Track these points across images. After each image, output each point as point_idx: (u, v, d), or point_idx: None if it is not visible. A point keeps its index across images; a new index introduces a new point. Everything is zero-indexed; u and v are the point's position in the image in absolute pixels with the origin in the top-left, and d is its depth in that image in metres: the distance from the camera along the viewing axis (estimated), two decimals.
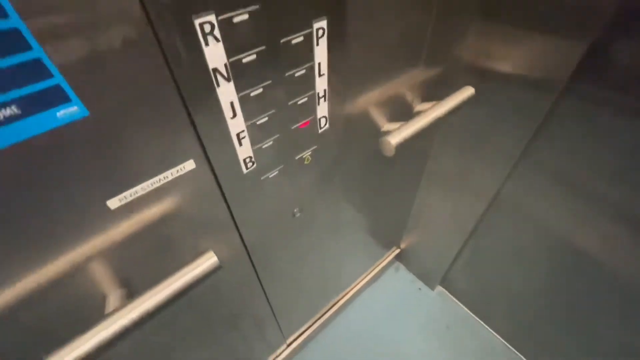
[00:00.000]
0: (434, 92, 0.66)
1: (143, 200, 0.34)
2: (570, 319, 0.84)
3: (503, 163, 0.71)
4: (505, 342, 1.09)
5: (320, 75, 0.41)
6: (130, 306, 0.34)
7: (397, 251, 1.27)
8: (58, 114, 0.25)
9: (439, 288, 1.24)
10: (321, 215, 0.66)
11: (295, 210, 0.58)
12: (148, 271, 0.40)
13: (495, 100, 0.64)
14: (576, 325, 0.83)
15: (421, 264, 1.23)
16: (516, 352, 1.07)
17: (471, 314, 1.16)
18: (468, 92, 0.61)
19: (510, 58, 0.59)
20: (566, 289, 0.79)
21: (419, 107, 0.64)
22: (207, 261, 0.38)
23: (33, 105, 0.24)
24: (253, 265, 0.59)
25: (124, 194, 0.33)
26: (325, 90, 0.44)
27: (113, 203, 0.32)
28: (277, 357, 0.99)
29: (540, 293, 0.87)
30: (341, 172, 0.61)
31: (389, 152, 0.52)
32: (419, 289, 1.25)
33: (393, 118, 0.61)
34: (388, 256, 1.25)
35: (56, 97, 0.24)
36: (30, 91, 0.23)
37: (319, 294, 0.98)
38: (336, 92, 0.45)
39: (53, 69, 0.23)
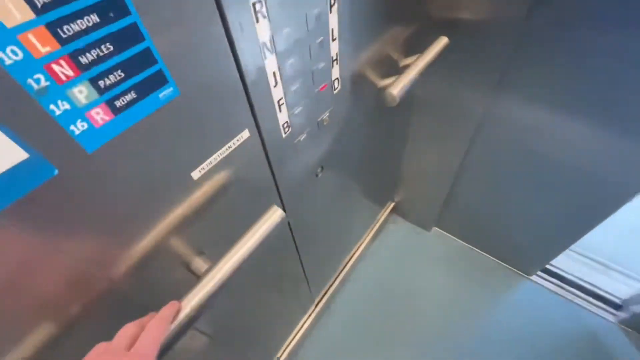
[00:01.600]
0: (415, 47, 0.74)
1: (215, 169, 0.40)
2: (551, 228, 1.00)
3: (482, 95, 0.82)
4: (499, 261, 1.26)
5: (333, 39, 0.47)
6: (223, 261, 0.40)
7: (392, 205, 1.38)
8: (160, 95, 0.30)
9: (435, 229, 1.38)
10: (336, 174, 0.74)
11: (318, 170, 0.64)
12: (222, 234, 0.46)
13: (466, 46, 0.74)
14: (555, 229, 0.99)
15: (415, 211, 1.35)
16: (509, 267, 1.24)
17: (466, 244, 1.32)
18: (443, 41, 0.70)
19: (478, 4, 0.67)
20: (544, 203, 0.94)
21: (404, 62, 0.72)
22: (274, 214, 0.44)
23: (144, 89, 0.28)
24: (290, 228, 0.66)
25: (203, 164, 0.38)
26: (337, 54, 0.50)
27: (196, 174, 0.37)
28: (308, 317, 1.08)
29: (523, 211, 1.02)
30: (350, 130, 0.68)
31: (393, 102, 0.60)
32: (418, 233, 1.39)
33: (386, 75, 0.68)
34: (385, 210, 1.36)
35: (159, 81, 0.29)
36: (143, 77, 0.28)
37: (337, 250, 1.08)
38: (343, 55, 0.52)
39: (157, 56, 0.28)
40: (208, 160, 0.38)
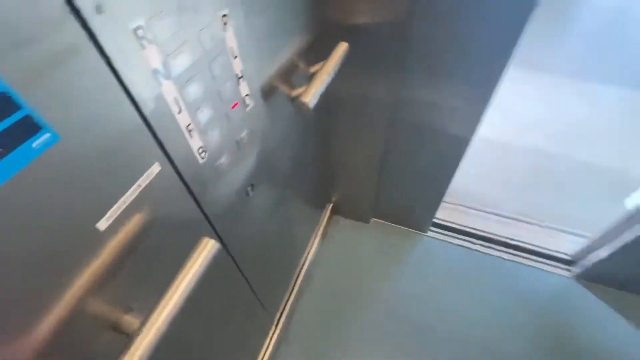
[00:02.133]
0: (320, 54, 0.77)
1: (126, 214, 0.35)
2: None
3: (386, 91, 0.89)
4: (438, 238, 1.39)
5: (234, 57, 0.46)
6: (155, 314, 0.36)
7: (331, 206, 1.42)
8: (34, 145, 0.25)
9: (373, 220, 1.46)
10: (268, 188, 0.72)
11: (248, 189, 0.62)
12: (150, 282, 0.41)
13: (365, 47, 0.79)
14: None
15: (353, 207, 1.41)
16: (446, 239, 1.38)
17: (403, 227, 1.42)
18: (343, 47, 0.74)
19: (367, 11, 0.73)
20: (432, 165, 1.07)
21: (312, 69, 0.74)
22: (207, 247, 0.41)
23: (9, 141, 0.24)
24: (230, 254, 0.62)
25: (109, 212, 0.33)
26: (241, 71, 0.49)
27: (102, 224, 0.33)
28: (270, 339, 1.04)
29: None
30: (274, 142, 0.67)
31: (307, 110, 0.61)
32: (359, 228, 1.44)
33: (297, 84, 0.70)
34: (325, 212, 1.39)
35: (28, 129, 0.25)
36: (4, 127, 0.23)
37: (285, 263, 1.06)
38: (249, 71, 0.51)
39: (19, 101, 0.24)
40: (115, 206, 0.34)
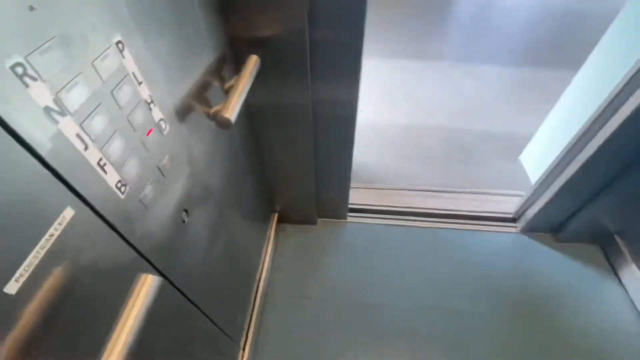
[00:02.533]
0: (234, 68, 0.78)
1: (40, 270, 0.32)
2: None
3: (301, 97, 0.93)
4: (384, 222, 1.48)
5: (139, 83, 0.45)
6: None
7: (276, 216, 1.42)
8: None
9: (320, 220, 1.50)
10: (206, 210, 0.70)
11: (183, 216, 0.60)
12: (85, 337, 0.37)
13: (274, 58, 0.82)
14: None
15: (297, 212, 1.43)
16: (386, 223, 1.47)
17: (342, 220, 1.49)
18: (254, 59, 0.76)
19: (269, 24, 0.76)
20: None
21: (227, 85, 0.74)
22: (145, 284, 0.39)
23: None
24: (175, 286, 0.59)
25: (18, 272, 0.30)
26: (150, 96, 0.47)
27: (12, 287, 0.29)
28: None
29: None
30: (201, 163, 0.66)
31: (227, 126, 0.61)
32: (307, 231, 1.47)
33: (214, 101, 0.69)
34: (272, 223, 1.38)
35: None
36: None
37: (240, 283, 1.03)
38: (158, 94, 0.50)
39: None
40: (24, 264, 0.30)
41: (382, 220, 1.49)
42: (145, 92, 0.46)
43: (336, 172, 1.26)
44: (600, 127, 1.04)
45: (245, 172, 0.99)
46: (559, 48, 2.54)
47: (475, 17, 3.08)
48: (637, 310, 1.18)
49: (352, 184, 1.59)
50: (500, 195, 1.54)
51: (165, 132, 0.52)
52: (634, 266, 1.21)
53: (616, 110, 0.98)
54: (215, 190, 0.76)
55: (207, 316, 0.74)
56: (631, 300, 1.21)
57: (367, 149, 1.81)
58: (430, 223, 1.47)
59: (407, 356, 1.12)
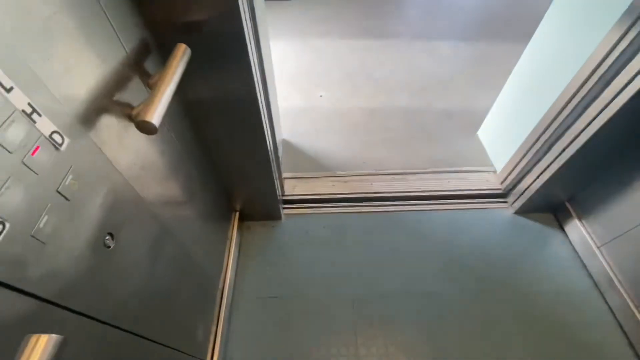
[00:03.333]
0: (159, 61, 0.67)
1: None
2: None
3: (243, 84, 0.84)
4: (352, 210, 1.44)
5: (8, 89, 0.35)
6: None
7: (237, 214, 1.34)
8: None
9: (285, 212, 1.44)
10: (140, 228, 0.61)
11: (106, 241, 0.51)
12: None
13: (205, 44, 0.72)
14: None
15: (260, 208, 1.36)
16: (355, 211, 1.44)
17: (316, 210, 1.44)
18: (182, 48, 0.65)
19: (196, 6, 0.65)
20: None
21: (151, 80, 0.64)
22: (38, 345, 0.31)
23: None
24: (107, 323, 0.51)
25: None
26: (29, 104, 0.37)
27: None
28: None
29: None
30: (130, 173, 0.56)
31: (151, 130, 0.52)
32: (273, 226, 1.41)
33: (137, 101, 0.59)
34: (234, 223, 1.30)
35: None
36: None
37: (199, 297, 0.95)
38: (48, 101, 0.40)
39: None
40: None
41: (349, 208, 1.46)
42: (20, 101, 0.36)
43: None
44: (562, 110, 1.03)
45: (192, 176, 0.90)
46: (511, 22, 2.58)
47: None
48: (585, 266, 1.26)
49: (317, 174, 1.54)
50: (463, 172, 1.56)
51: (62, 148, 0.42)
52: (577, 222, 1.28)
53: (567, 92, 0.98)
54: (153, 202, 0.67)
55: (157, 343, 0.66)
56: (580, 258, 1.29)
57: (330, 134, 1.75)
58: (396, 207, 1.46)
59: (381, 342, 1.11)
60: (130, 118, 0.57)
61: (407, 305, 1.19)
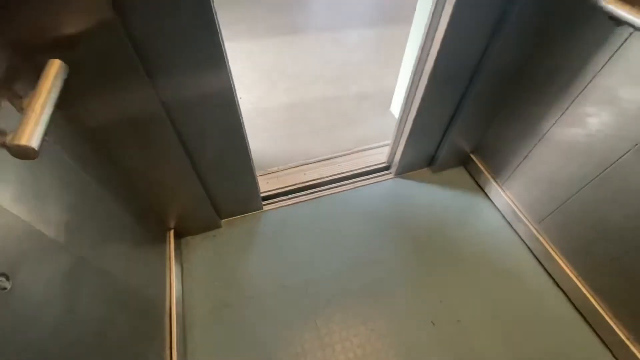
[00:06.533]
0: (33, 80, 0.62)
1: None
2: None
3: (146, 102, 0.81)
4: (291, 202, 1.47)
5: None
6: None
7: (172, 231, 1.28)
8: None
9: (224, 221, 1.41)
10: (46, 264, 0.56)
11: (1, 282, 0.46)
12: None
13: (90, 59, 0.68)
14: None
15: (196, 220, 1.31)
16: (283, 205, 1.47)
17: (249, 214, 1.44)
18: (55, 65, 0.61)
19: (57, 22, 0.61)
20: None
21: (24, 102, 0.59)
22: None
23: None
24: None
25: None
26: None
27: None
28: None
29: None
30: (17, 209, 0.51)
31: (26, 154, 0.49)
32: (214, 236, 1.37)
33: (12, 127, 0.54)
34: (169, 241, 1.24)
35: None
36: None
37: (140, 327, 0.90)
38: None
39: None
40: None
41: (287, 201, 1.49)
42: None
43: (235, 166, 1.18)
44: (425, 61, 1.14)
45: (105, 200, 0.84)
46: (401, 6, 2.84)
47: None
48: (502, 214, 1.47)
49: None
50: (382, 146, 1.70)
51: None
52: (490, 178, 1.49)
53: (432, 40, 1.08)
54: (58, 234, 0.61)
55: None
56: (496, 207, 1.50)
57: (254, 134, 1.75)
58: (331, 190, 1.53)
59: (340, 316, 1.17)
60: (5, 145, 0.52)
61: (357, 277, 1.27)
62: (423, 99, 1.21)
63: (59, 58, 0.61)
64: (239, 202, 1.37)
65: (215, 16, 0.75)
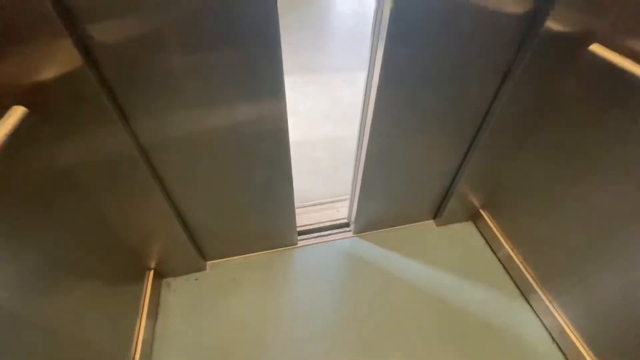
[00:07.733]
0: None
1: None
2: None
3: (125, 146, 0.79)
4: (273, 250, 1.39)
5: None
6: None
7: (152, 272, 1.22)
8: None
9: (209, 263, 1.35)
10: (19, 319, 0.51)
11: None
12: None
13: (58, 106, 0.67)
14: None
15: (178, 262, 1.25)
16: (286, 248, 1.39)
17: (239, 257, 1.37)
18: (18, 112, 0.59)
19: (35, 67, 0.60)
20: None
21: None
22: None
23: None
24: None
25: None
26: None
27: None
28: None
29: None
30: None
31: None
32: (197, 279, 1.30)
33: None
34: (147, 282, 1.18)
35: None
36: None
37: None
38: None
39: None
40: None
41: (278, 247, 1.41)
42: None
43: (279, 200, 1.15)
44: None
45: (79, 243, 0.80)
46: None
47: (349, 29, 3.29)
48: (513, 281, 1.32)
49: None
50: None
51: None
52: (499, 235, 1.36)
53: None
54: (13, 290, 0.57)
55: None
56: (506, 271, 1.35)
57: None
58: (330, 236, 1.44)
59: None
60: None
61: (347, 331, 1.14)
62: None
63: (22, 104, 0.61)
64: (230, 242, 1.31)
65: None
